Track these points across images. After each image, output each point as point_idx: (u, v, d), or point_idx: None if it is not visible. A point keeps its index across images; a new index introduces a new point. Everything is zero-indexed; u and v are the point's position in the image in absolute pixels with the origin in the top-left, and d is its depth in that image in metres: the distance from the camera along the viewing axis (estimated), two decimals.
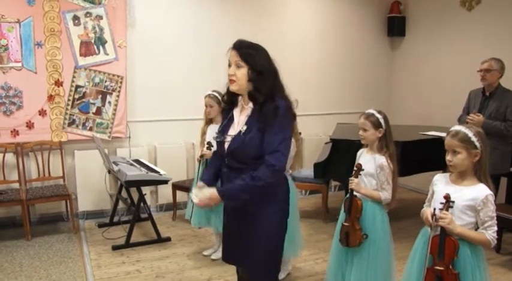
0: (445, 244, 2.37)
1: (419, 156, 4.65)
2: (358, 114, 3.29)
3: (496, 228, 2.36)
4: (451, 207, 2.36)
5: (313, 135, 6.55)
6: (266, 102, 2.30)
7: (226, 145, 2.42)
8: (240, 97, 2.49)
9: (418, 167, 4.70)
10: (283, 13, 6.35)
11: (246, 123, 2.37)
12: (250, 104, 2.39)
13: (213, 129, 3.93)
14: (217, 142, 2.52)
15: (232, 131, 2.44)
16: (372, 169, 3.09)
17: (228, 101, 2.53)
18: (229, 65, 2.36)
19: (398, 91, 7.21)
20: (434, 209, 2.41)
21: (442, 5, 6.34)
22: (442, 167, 2.50)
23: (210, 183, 2.51)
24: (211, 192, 2.32)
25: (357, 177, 3.10)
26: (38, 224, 5.27)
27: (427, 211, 2.50)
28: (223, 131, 2.48)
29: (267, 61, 2.36)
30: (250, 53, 2.32)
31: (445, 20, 6.30)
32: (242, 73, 2.32)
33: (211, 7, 5.90)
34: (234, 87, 2.37)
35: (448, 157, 2.43)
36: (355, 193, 3.12)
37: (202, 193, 2.35)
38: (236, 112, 2.50)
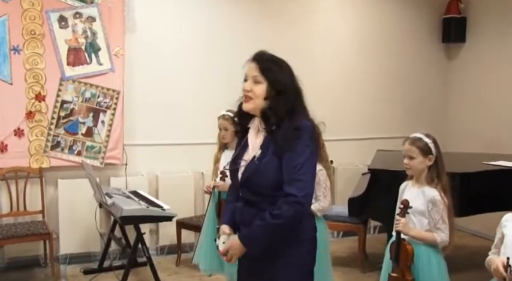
0: None
1: (483, 192, 4.56)
2: (403, 139, 3.34)
3: None
4: None
5: (347, 164, 6.56)
6: (282, 122, 2.32)
7: (240, 174, 2.46)
8: (254, 118, 2.50)
9: (482, 205, 4.62)
10: (312, 17, 6.39)
11: (261, 147, 2.39)
12: None
13: (228, 156, 3.97)
14: (230, 171, 2.56)
15: (247, 157, 2.46)
16: (421, 206, 3.13)
17: (241, 123, 2.57)
18: (245, 80, 2.41)
19: (456, 110, 7.12)
20: (508, 258, 2.35)
21: None
22: None
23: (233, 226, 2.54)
24: (232, 242, 2.35)
25: (404, 216, 3.11)
26: (7, 270, 5.20)
27: (496, 260, 2.47)
28: (236, 158, 2.52)
29: (290, 79, 2.40)
30: (271, 68, 2.37)
31: None
32: (260, 90, 2.36)
33: (227, 9, 5.96)
34: (248, 106, 2.39)
35: None
36: (403, 235, 3.13)
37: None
38: (251, 136, 2.52)
